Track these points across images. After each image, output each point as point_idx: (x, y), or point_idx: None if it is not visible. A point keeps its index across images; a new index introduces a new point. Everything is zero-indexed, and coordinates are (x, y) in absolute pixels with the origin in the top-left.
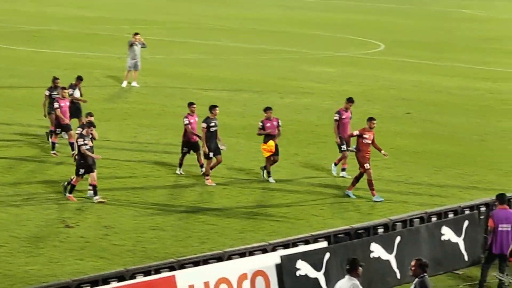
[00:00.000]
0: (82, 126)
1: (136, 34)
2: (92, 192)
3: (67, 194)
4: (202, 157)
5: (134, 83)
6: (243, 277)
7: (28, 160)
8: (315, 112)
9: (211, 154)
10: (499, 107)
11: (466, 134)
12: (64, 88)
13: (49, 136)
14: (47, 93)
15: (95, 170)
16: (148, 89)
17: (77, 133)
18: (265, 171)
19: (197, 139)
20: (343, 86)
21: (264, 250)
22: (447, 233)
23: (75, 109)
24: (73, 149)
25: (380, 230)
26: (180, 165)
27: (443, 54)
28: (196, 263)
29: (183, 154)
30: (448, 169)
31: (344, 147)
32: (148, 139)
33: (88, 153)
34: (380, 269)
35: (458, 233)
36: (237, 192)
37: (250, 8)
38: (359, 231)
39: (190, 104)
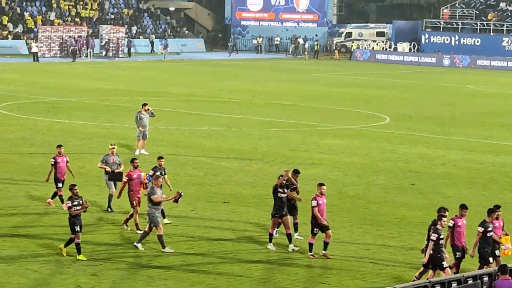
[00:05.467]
0: (434, 222)
1: (144, 104)
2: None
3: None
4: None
5: (142, 151)
6: None
7: (40, 225)
8: (323, 182)
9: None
10: (502, 179)
11: (471, 205)
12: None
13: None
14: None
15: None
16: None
17: None
18: None
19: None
20: (351, 157)
21: None
22: None
23: None
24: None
25: None
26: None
27: (447, 128)
28: None
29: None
30: None
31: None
32: None
33: None
34: None
35: None
36: (248, 260)
37: (261, 83)
38: None
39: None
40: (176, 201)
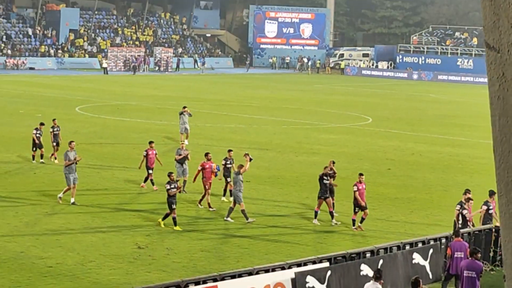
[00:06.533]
0: (461, 203)
1: (184, 107)
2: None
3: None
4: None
5: (186, 142)
6: (267, 287)
7: (108, 201)
8: (320, 167)
9: None
10: (456, 165)
11: (433, 185)
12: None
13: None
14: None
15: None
16: (200, 148)
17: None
18: None
19: None
20: (342, 148)
21: (283, 268)
22: (417, 258)
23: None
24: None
25: (368, 255)
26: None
27: (416, 127)
28: (233, 276)
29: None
30: (419, 211)
31: None
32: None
33: None
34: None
35: (425, 257)
36: (263, 226)
37: (275, 91)
38: (352, 255)
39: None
40: (251, 159)
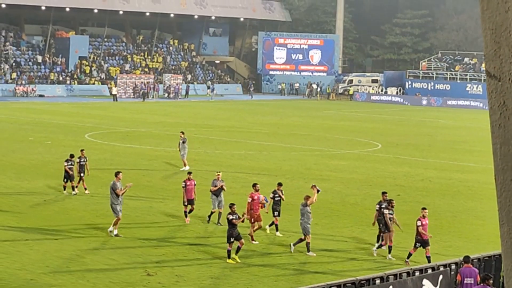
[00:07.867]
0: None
1: (182, 132)
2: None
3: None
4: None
5: (186, 167)
6: None
7: (121, 226)
8: (330, 193)
9: None
10: (466, 191)
11: (442, 211)
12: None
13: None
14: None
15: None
16: (208, 175)
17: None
18: None
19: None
20: (352, 175)
21: None
22: (427, 284)
23: None
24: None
25: (377, 281)
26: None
27: (425, 153)
28: None
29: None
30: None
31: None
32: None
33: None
34: None
35: (435, 284)
36: (273, 253)
37: (284, 117)
38: (362, 282)
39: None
40: (318, 191)
